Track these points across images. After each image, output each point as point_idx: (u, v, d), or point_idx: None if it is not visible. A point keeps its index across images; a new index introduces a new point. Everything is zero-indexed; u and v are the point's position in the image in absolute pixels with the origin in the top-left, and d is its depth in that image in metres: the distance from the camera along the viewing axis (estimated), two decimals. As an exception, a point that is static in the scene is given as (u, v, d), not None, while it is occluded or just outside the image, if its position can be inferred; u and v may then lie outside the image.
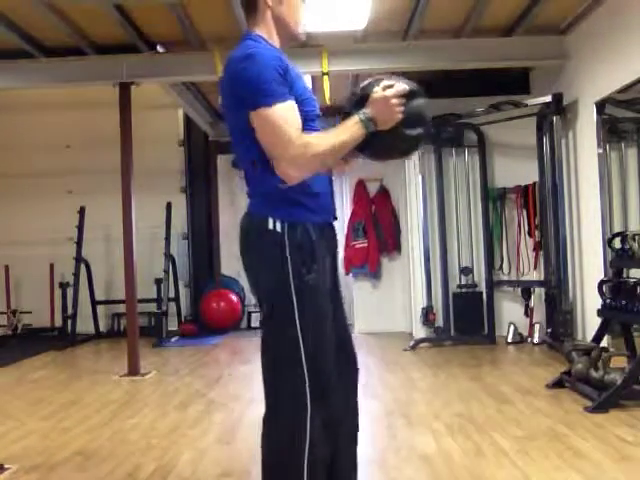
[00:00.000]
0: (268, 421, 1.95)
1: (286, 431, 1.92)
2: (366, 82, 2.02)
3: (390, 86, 1.94)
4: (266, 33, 2.01)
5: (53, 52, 5.63)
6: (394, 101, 1.91)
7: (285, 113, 1.85)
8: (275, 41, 2.03)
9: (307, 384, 1.90)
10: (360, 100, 1.97)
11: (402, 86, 1.94)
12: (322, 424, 1.93)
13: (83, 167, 8.19)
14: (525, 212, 6.53)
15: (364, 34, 5.54)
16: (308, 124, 1.94)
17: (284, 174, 1.87)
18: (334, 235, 2.15)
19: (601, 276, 4.71)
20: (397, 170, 7.27)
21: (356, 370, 2.15)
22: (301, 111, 1.91)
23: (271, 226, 1.92)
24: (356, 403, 2.14)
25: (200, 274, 8.60)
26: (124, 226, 5.58)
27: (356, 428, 2.13)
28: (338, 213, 2.20)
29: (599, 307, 4.30)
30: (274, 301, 1.95)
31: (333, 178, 2.14)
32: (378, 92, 1.92)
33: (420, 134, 2.01)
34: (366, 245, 7.65)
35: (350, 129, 1.91)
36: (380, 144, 1.99)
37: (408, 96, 1.95)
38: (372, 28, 5.40)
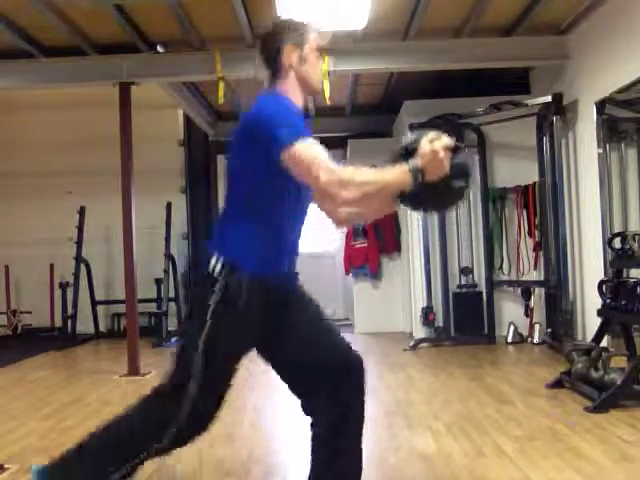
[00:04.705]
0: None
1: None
2: (412, 137, 2.10)
3: (436, 139, 1.96)
4: (289, 90, 2.11)
5: (53, 52, 5.62)
6: (442, 154, 1.94)
7: (317, 148, 1.92)
8: (297, 97, 2.13)
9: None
10: (408, 153, 2.02)
11: (449, 140, 1.98)
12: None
13: (83, 167, 8.18)
14: (525, 212, 6.53)
15: (364, 34, 5.53)
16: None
17: (342, 198, 1.91)
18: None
19: (601, 276, 4.70)
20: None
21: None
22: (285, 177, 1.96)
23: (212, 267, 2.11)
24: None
25: (200, 274, 8.57)
26: (124, 226, 5.58)
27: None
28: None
29: (599, 307, 4.30)
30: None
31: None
32: (426, 144, 1.95)
33: (464, 186, 2.10)
34: (366, 245, 7.65)
35: (397, 174, 1.94)
36: (428, 195, 2.03)
37: (453, 150, 2.00)
38: (372, 28, 5.40)
